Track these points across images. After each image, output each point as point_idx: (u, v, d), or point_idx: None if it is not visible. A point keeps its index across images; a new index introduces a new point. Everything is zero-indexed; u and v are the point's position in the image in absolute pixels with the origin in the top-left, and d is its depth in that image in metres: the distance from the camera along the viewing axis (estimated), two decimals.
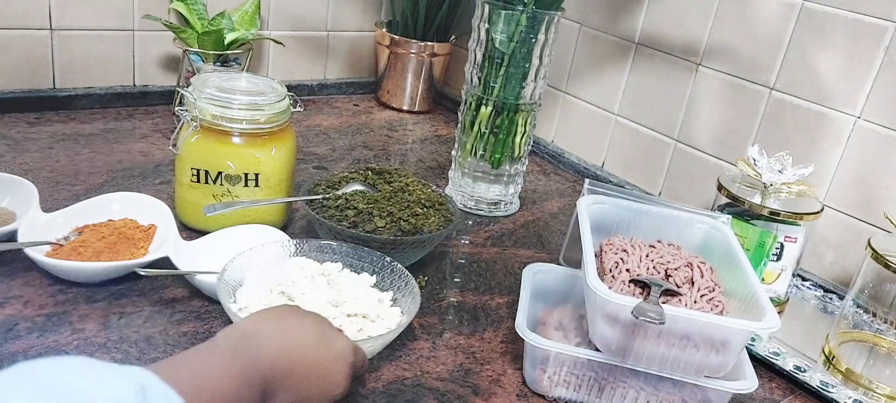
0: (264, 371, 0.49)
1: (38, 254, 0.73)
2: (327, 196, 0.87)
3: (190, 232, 0.86)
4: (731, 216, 0.80)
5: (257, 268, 0.73)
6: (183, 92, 0.83)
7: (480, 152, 1.04)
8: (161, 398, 0.37)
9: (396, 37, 1.41)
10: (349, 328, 0.68)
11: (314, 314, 0.58)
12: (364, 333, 0.68)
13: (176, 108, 0.84)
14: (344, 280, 0.75)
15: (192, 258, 0.78)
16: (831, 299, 0.97)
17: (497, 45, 0.97)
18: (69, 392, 0.33)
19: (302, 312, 0.57)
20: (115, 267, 0.74)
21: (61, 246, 0.77)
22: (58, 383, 0.33)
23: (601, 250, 0.74)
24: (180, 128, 0.85)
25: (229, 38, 1.20)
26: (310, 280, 0.73)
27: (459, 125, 1.06)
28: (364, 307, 0.70)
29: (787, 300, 0.91)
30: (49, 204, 0.85)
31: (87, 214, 0.82)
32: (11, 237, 0.76)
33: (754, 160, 0.89)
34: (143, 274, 0.71)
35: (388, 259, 0.77)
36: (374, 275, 0.76)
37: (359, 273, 0.77)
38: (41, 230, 0.77)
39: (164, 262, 0.75)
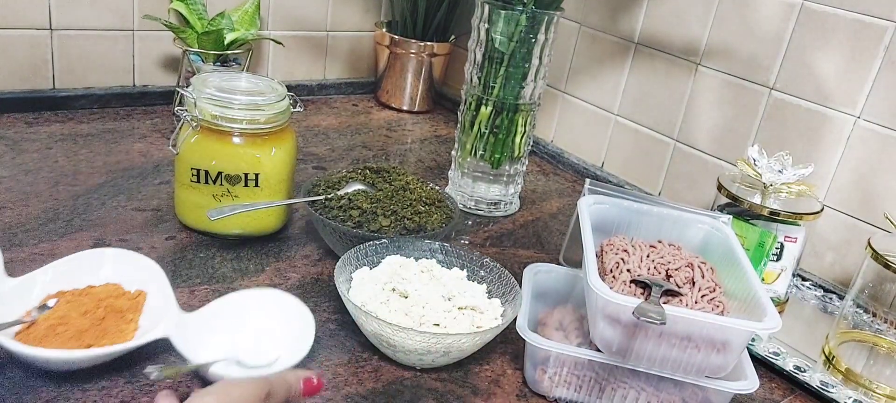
0: None
1: (4, 338, 0.59)
2: (329, 196, 0.87)
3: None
4: (731, 216, 0.80)
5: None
6: (183, 92, 0.83)
7: (480, 152, 1.04)
8: None
9: (396, 37, 1.41)
10: (462, 322, 0.70)
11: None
12: (476, 325, 0.70)
13: (175, 108, 0.84)
14: (444, 275, 0.77)
15: (198, 337, 0.64)
16: (831, 299, 0.97)
17: (497, 45, 0.97)
18: None
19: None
20: (108, 352, 0.61)
21: (34, 322, 0.62)
22: None
23: (602, 250, 0.74)
24: (180, 128, 0.84)
25: (229, 38, 1.20)
26: (416, 276, 0.75)
27: (459, 125, 1.06)
28: (473, 300, 0.72)
29: (787, 300, 0.91)
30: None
31: (62, 277, 0.68)
32: None
33: (754, 160, 0.89)
34: (155, 377, 0.56)
35: (476, 253, 0.79)
36: (464, 270, 0.78)
37: (450, 268, 0.79)
38: (6, 301, 0.63)
39: (163, 344, 0.63)
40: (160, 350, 0.65)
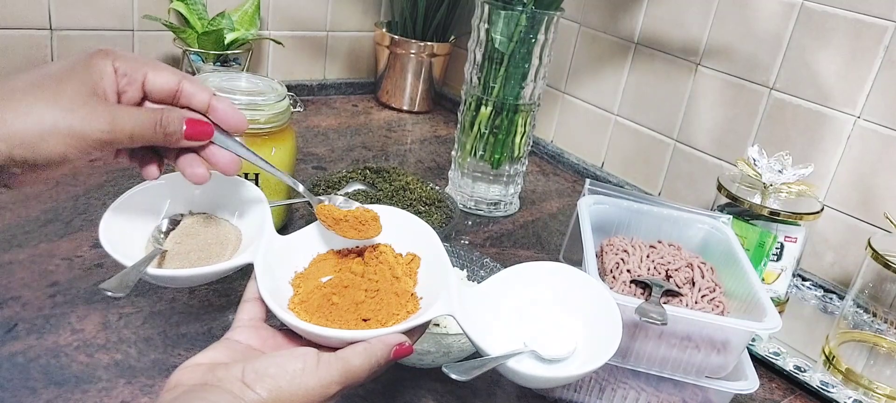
0: None
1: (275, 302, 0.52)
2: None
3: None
4: (731, 216, 0.80)
5: None
6: None
7: (480, 152, 1.04)
8: None
9: (396, 37, 1.41)
10: None
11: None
12: None
13: None
14: None
15: (482, 317, 0.55)
16: (831, 299, 0.97)
17: (497, 45, 0.97)
18: None
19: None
20: (396, 329, 0.52)
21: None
22: None
23: (602, 250, 0.74)
24: None
25: (229, 38, 1.20)
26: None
27: (459, 125, 1.06)
28: None
29: (787, 300, 0.91)
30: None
31: (333, 237, 0.60)
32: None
33: (754, 160, 0.89)
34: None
35: (476, 253, 0.78)
36: (464, 270, 0.78)
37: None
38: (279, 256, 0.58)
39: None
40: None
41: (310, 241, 0.60)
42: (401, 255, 0.59)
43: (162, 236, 0.60)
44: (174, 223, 0.61)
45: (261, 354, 0.49)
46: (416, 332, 0.52)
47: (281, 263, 0.57)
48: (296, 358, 0.46)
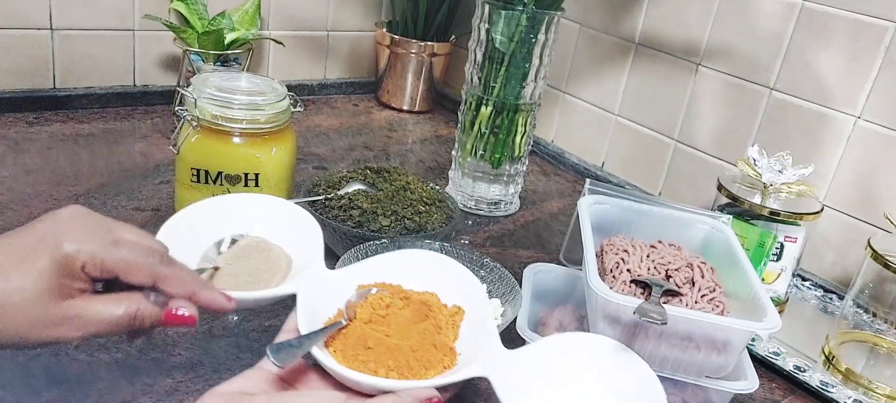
0: None
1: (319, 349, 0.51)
2: (329, 196, 0.87)
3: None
4: (731, 216, 0.80)
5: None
6: (183, 92, 0.83)
7: (480, 152, 1.04)
8: None
9: (396, 37, 1.41)
10: None
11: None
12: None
13: (176, 108, 0.84)
14: None
15: (519, 383, 0.53)
16: (831, 299, 0.97)
17: (497, 45, 0.97)
18: None
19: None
20: (429, 383, 0.51)
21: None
22: None
23: (602, 250, 0.74)
24: (180, 128, 0.85)
25: (229, 38, 1.20)
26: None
27: (459, 125, 1.06)
28: None
29: (787, 300, 0.91)
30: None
31: (379, 273, 0.60)
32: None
33: (754, 160, 0.89)
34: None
35: (476, 253, 0.78)
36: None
37: None
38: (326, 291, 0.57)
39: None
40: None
41: (357, 278, 0.59)
42: (446, 306, 0.57)
43: (217, 253, 0.59)
44: (234, 242, 0.60)
45: (289, 388, 0.49)
46: (450, 388, 0.50)
47: (324, 297, 0.55)
48: (321, 402, 0.46)
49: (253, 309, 0.74)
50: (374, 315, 0.54)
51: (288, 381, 0.49)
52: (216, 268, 0.57)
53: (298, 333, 0.50)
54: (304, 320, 0.51)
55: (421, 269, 0.59)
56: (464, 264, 0.76)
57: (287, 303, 0.54)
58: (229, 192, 0.84)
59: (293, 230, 0.61)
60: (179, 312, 0.49)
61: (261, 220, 0.62)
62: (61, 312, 0.45)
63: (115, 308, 0.47)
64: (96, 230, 0.47)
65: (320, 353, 0.49)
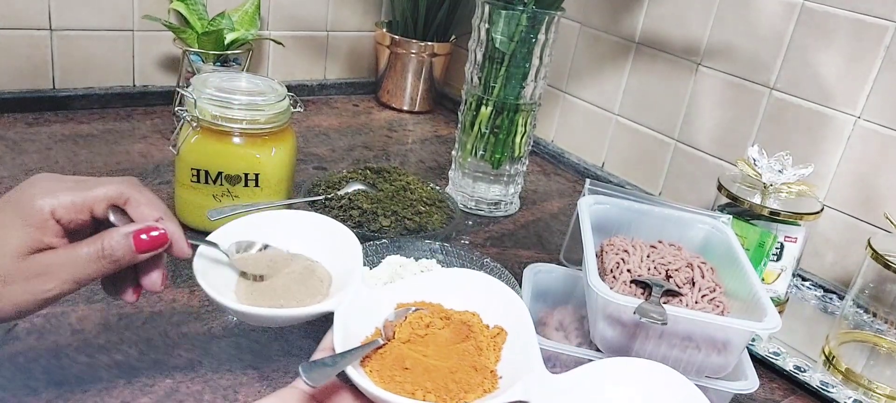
0: None
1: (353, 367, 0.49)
2: (329, 196, 0.87)
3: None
4: (731, 216, 0.80)
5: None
6: (183, 92, 0.83)
7: (480, 152, 1.04)
8: None
9: (396, 37, 1.41)
10: None
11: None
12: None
13: (176, 109, 0.84)
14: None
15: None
16: (831, 299, 0.97)
17: (497, 45, 0.97)
18: None
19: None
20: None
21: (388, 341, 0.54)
22: None
23: (602, 250, 0.74)
24: (180, 129, 0.85)
25: (229, 38, 1.20)
26: (416, 276, 0.71)
27: (459, 125, 1.06)
28: None
29: (787, 300, 0.91)
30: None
31: (419, 291, 0.58)
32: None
33: (754, 160, 0.89)
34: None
35: (476, 253, 0.78)
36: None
37: (451, 268, 0.78)
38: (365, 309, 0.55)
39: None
40: None
41: (397, 297, 0.57)
42: (487, 327, 0.55)
43: (235, 252, 0.58)
44: (264, 247, 0.59)
45: None
46: None
47: (362, 316, 0.53)
48: None
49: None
50: (412, 334, 0.52)
51: (321, 401, 0.48)
52: (260, 277, 0.56)
53: (334, 352, 0.49)
54: (340, 338, 0.50)
55: (462, 288, 0.57)
56: (464, 264, 0.77)
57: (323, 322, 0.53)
58: (229, 192, 0.84)
59: (334, 246, 0.59)
60: (150, 235, 0.49)
61: (302, 236, 0.60)
62: (34, 266, 0.47)
63: (83, 247, 0.48)
64: (63, 180, 0.49)
65: (355, 373, 0.47)
